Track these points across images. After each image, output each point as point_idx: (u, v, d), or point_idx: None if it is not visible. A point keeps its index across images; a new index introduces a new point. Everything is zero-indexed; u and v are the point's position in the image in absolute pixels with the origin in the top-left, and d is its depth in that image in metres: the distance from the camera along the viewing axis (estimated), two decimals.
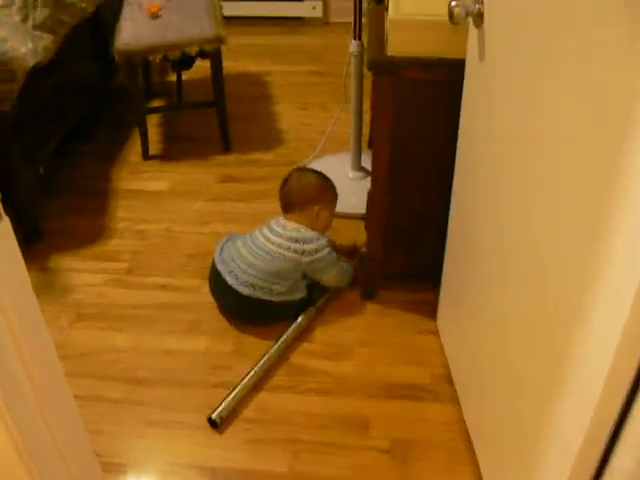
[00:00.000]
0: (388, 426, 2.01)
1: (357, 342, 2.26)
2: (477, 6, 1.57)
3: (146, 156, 3.14)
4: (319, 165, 2.65)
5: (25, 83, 2.43)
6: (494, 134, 1.56)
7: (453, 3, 1.58)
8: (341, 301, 2.40)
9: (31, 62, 2.44)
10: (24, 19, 2.54)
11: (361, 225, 2.56)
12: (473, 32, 1.66)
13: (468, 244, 1.86)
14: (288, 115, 3.43)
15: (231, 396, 2.05)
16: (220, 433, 2.00)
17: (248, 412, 2.05)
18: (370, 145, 2.97)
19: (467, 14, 1.59)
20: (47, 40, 2.59)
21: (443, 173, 1.99)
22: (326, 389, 2.11)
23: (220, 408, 2.01)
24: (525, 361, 1.46)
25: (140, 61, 2.99)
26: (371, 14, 2.27)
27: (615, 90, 0.99)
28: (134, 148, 3.18)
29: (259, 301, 2.22)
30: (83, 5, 2.93)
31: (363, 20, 2.59)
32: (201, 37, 2.90)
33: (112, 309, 2.40)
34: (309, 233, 2.27)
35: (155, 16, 3.04)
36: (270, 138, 3.26)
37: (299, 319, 2.27)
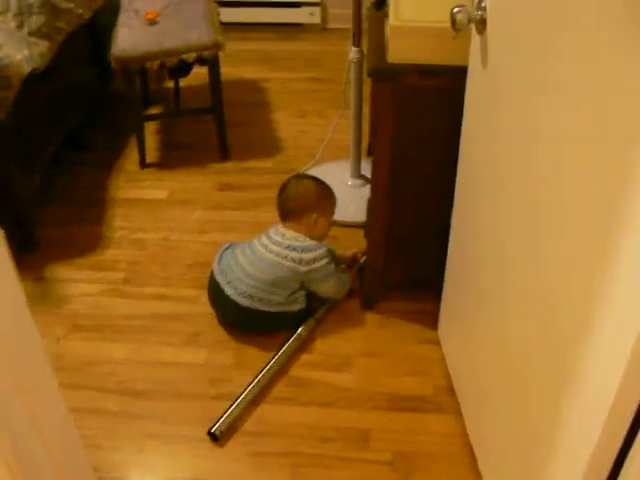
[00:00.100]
0: (390, 438, 1.99)
1: (357, 353, 2.23)
2: (479, 13, 1.55)
3: (143, 164, 3.10)
4: (318, 173, 2.62)
5: (21, 90, 2.40)
6: (498, 141, 1.54)
7: (455, 9, 1.56)
8: (341, 311, 2.37)
9: (27, 69, 2.42)
10: (19, 26, 2.52)
11: (361, 233, 2.53)
12: (475, 38, 1.64)
13: (470, 253, 1.84)
14: (286, 122, 3.40)
15: (231, 409, 2.02)
16: (220, 446, 1.97)
17: (248, 425, 2.02)
18: (370, 152, 2.95)
19: (469, 20, 1.57)
20: (43, 47, 2.56)
21: (444, 180, 1.97)
22: (327, 401, 2.08)
23: (220, 421, 1.98)
24: (528, 372, 1.43)
25: (137, 68, 2.96)
26: (371, 21, 2.25)
27: (621, 93, 0.97)
28: (131, 156, 3.15)
29: (258, 312, 2.20)
30: (79, 11, 2.90)
31: (362, 26, 2.56)
32: (199, 44, 2.88)
33: (109, 320, 2.37)
34: (308, 242, 2.25)
35: (152, 22, 3.01)
36: (269, 145, 3.23)
37: (299, 330, 2.24)
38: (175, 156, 3.19)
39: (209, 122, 3.12)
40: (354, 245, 2.55)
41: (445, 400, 2.07)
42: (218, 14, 3.19)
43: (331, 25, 4.25)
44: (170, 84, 3.51)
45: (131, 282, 2.51)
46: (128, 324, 2.35)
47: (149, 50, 2.87)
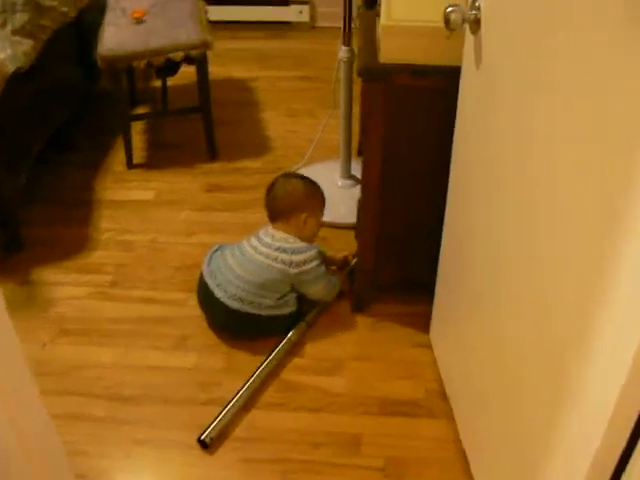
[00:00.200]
0: (381, 443, 1.96)
1: (348, 357, 2.20)
2: (474, 12, 1.53)
3: (130, 164, 3.07)
4: (308, 173, 2.59)
5: (5, 89, 2.36)
6: (491, 141, 1.52)
7: (449, 9, 1.53)
8: (332, 314, 2.34)
9: (11, 68, 2.38)
10: (3, 24, 2.48)
11: (351, 235, 2.50)
12: (469, 38, 1.62)
13: (463, 254, 1.82)
14: (275, 122, 3.37)
15: (221, 415, 1.98)
16: (210, 453, 1.94)
17: (239, 431, 1.99)
18: (360, 152, 2.93)
19: (463, 20, 1.54)
20: (27, 45, 2.52)
21: (436, 181, 1.95)
22: (317, 406, 2.05)
23: (210, 428, 1.95)
24: (523, 374, 1.42)
25: (124, 67, 2.92)
26: (362, 20, 2.22)
27: (617, 93, 0.96)
28: (118, 156, 3.11)
29: (248, 315, 2.17)
30: (64, 9, 2.86)
31: (352, 25, 2.54)
32: (186, 43, 2.84)
33: (96, 323, 2.33)
34: (298, 243, 2.22)
35: (139, 21, 2.98)
36: (257, 145, 3.20)
37: (289, 334, 2.21)
38: (162, 156, 3.15)
39: (197, 122, 3.08)
40: (344, 247, 2.53)
41: (437, 404, 2.04)
42: (206, 12, 3.16)
43: (320, 23, 4.23)
44: (157, 83, 3.48)
45: (118, 285, 2.48)
46: (115, 328, 2.31)
47: (136, 49, 2.83)
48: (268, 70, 3.81)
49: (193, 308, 2.33)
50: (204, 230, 2.71)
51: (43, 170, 2.96)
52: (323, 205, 2.37)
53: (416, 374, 2.14)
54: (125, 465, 1.93)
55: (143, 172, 3.05)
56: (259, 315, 2.17)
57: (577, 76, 1.07)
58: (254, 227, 2.34)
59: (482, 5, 1.51)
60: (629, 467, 1.09)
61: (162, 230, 2.72)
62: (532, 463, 1.38)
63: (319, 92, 3.49)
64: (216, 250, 2.32)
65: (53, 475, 1.40)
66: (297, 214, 2.26)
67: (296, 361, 2.18)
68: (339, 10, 2.54)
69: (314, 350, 2.22)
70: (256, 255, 2.19)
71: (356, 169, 2.80)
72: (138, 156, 3.12)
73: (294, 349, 2.21)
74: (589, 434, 1.12)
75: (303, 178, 2.38)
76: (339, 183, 2.84)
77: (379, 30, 1.93)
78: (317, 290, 2.27)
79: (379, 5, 2.05)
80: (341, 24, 2.55)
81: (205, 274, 2.25)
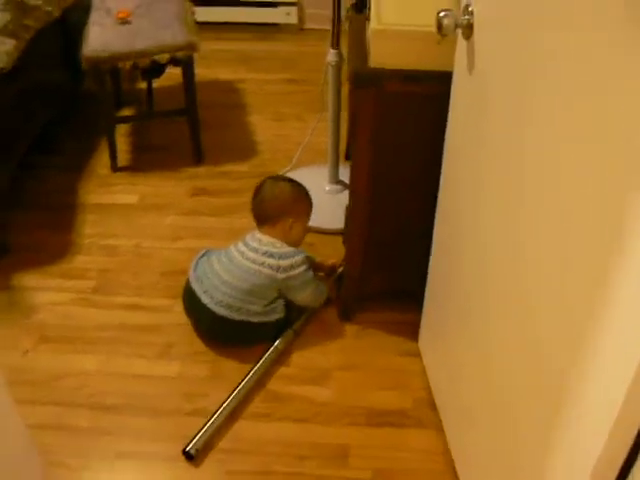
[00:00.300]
0: (369, 455, 1.93)
1: (335, 366, 2.17)
2: (466, 17, 1.50)
3: (115, 168, 3.02)
4: (295, 178, 2.55)
5: None
6: (484, 148, 1.49)
7: (442, 14, 1.50)
8: (319, 322, 2.30)
9: None
10: None
11: (339, 241, 2.47)
12: (462, 44, 1.59)
13: (451, 264, 1.80)
14: (262, 125, 3.33)
15: (207, 426, 1.95)
16: (196, 465, 1.90)
17: (224, 442, 1.95)
18: (347, 156, 2.90)
19: (456, 25, 1.51)
20: (9, 45, 2.47)
21: (426, 187, 1.92)
22: (303, 417, 2.02)
23: (195, 439, 1.91)
24: (511, 392, 1.39)
25: (108, 68, 2.86)
26: (351, 23, 2.19)
27: (618, 96, 0.93)
28: (102, 159, 3.06)
29: (235, 322, 2.13)
30: (48, 9, 2.81)
31: (341, 28, 2.50)
32: (172, 44, 2.80)
33: (78, 331, 2.29)
34: (285, 248, 2.18)
35: (124, 22, 2.93)
36: (244, 149, 3.16)
37: (276, 343, 2.17)
38: (147, 159, 3.11)
39: (183, 124, 3.03)
40: (332, 253, 2.50)
41: (426, 414, 2.01)
42: (193, 13, 3.12)
43: (308, 25, 4.19)
44: (143, 84, 3.42)
45: (102, 291, 2.43)
46: (98, 335, 2.27)
47: (120, 50, 2.78)
48: (255, 72, 3.76)
49: (178, 315, 2.29)
50: (190, 235, 2.66)
51: (26, 173, 2.91)
52: (310, 209, 2.33)
53: (404, 383, 2.11)
54: (108, 478, 1.89)
55: (128, 175, 3.00)
56: (247, 322, 2.14)
57: (577, 78, 1.04)
58: (240, 232, 2.30)
59: (475, 10, 1.48)
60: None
61: (147, 235, 2.67)
62: (521, 477, 1.36)
63: (307, 95, 3.46)
64: (202, 255, 2.29)
65: None
66: (284, 218, 2.22)
67: (282, 370, 2.15)
68: (327, 12, 2.51)
69: (300, 359, 2.18)
70: (243, 260, 2.15)
71: (344, 174, 2.77)
72: (123, 159, 3.07)
73: (280, 358, 2.17)
74: (586, 452, 1.09)
75: (291, 181, 2.34)
76: (327, 188, 2.80)
77: (369, 34, 1.89)
78: (304, 296, 2.23)
79: (368, 9, 2.01)
80: (329, 26, 2.52)
81: (191, 280, 2.21)
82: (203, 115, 3.08)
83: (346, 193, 2.48)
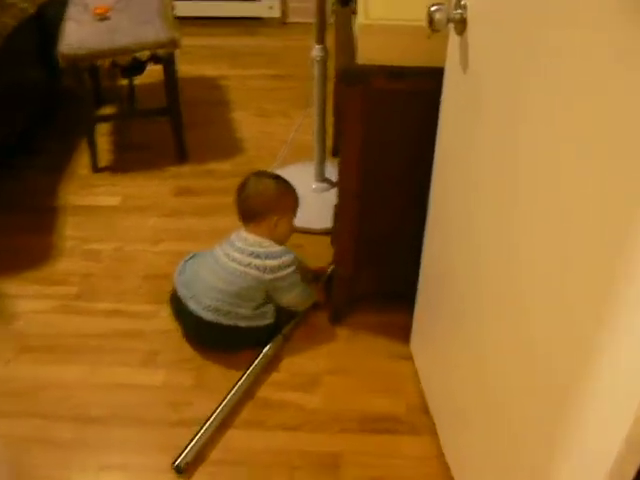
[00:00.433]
0: (362, 463, 1.87)
1: (326, 370, 2.11)
2: (459, 11, 1.45)
3: (95, 168, 2.95)
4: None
5: None
6: (477, 148, 1.45)
7: (433, 8, 1.44)
8: (309, 326, 2.24)
9: None
10: None
11: (326, 241, 2.42)
12: (454, 40, 1.53)
13: (444, 264, 1.75)
14: (247, 122, 3.27)
15: (196, 438, 1.88)
16: (185, 478, 1.83)
17: (214, 453, 1.89)
18: (334, 153, 2.84)
19: (448, 20, 1.45)
20: None
21: (417, 185, 1.88)
22: (294, 424, 1.96)
23: (185, 452, 1.85)
24: (507, 390, 1.36)
25: (86, 66, 2.79)
26: (337, 18, 2.13)
27: (621, 99, 0.90)
28: (83, 159, 2.99)
29: (224, 327, 2.07)
30: (24, 5, 2.76)
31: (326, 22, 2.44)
32: (153, 41, 2.73)
33: (60, 339, 2.22)
34: (272, 248, 2.12)
35: (103, 18, 2.86)
36: (228, 147, 3.10)
37: (266, 349, 2.12)
38: (129, 159, 3.04)
39: (165, 122, 2.97)
40: (320, 253, 2.44)
41: (419, 419, 1.96)
42: (173, 8, 3.05)
43: (292, 19, 4.14)
44: (124, 81, 3.35)
45: (84, 297, 2.36)
46: (81, 343, 2.20)
47: (99, 48, 2.72)
48: (238, 68, 3.70)
49: (162, 321, 2.23)
50: (173, 237, 2.60)
51: (3, 174, 2.84)
52: (296, 205, 2.27)
53: (397, 388, 2.05)
54: None
55: (109, 176, 2.94)
56: (236, 326, 2.08)
57: (578, 76, 1.00)
58: (224, 232, 2.24)
59: (468, 4, 1.43)
60: None
61: (129, 237, 2.61)
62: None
63: (291, 91, 3.40)
64: (188, 259, 2.23)
65: None
66: (269, 216, 2.16)
67: (272, 376, 2.09)
68: (311, 5, 2.46)
69: (290, 364, 2.12)
70: (229, 262, 2.09)
71: (330, 172, 2.71)
72: (104, 159, 3.01)
73: (270, 363, 2.12)
74: (597, 451, 1.05)
75: (275, 177, 2.28)
76: (313, 186, 2.74)
77: (356, 29, 1.84)
78: (290, 298, 2.17)
79: (354, 2, 1.95)
80: (313, 20, 2.46)
81: (177, 285, 2.16)
82: (186, 113, 3.01)
83: (333, 191, 2.44)
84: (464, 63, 1.48)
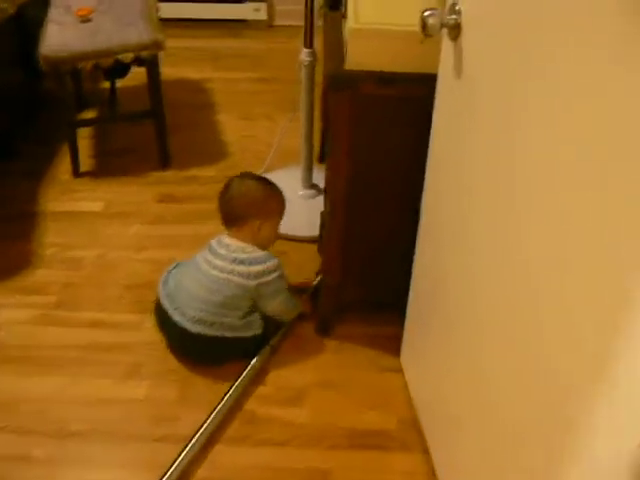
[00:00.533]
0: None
1: (313, 384, 2.06)
2: (453, 17, 1.40)
3: (77, 173, 2.88)
4: None
5: None
6: (472, 157, 1.40)
7: (427, 13, 1.40)
8: (295, 338, 2.19)
9: None
10: None
11: (313, 249, 2.37)
12: (448, 45, 1.49)
13: (437, 273, 1.71)
14: (231, 126, 3.21)
15: (181, 456, 1.82)
16: None
17: (200, 472, 1.82)
18: (321, 159, 2.79)
19: (442, 25, 1.41)
20: None
21: (407, 192, 1.84)
22: (281, 440, 1.91)
23: (170, 471, 1.78)
24: (506, 403, 1.30)
25: (68, 69, 2.72)
26: (326, 21, 2.08)
27: (622, 103, 0.86)
28: (63, 164, 2.93)
29: (210, 338, 2.02)
30: (3, 5, 2.69)
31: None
32: (137, 43, 2.67)
33: (39, 350, 2.15)
34: (256, 253, 2.06)
35: (85, 19, 2.79)
36: (213, 151, 3.04)
37: (253, 361, 2.06)
38: (111, 164, 2.98)
39: (148, 126, 2.91)
40: (306, 261, 2.39)
41: (410, 435, 1.91)
42: (157, 10, 2.99)
43: (278, 22, 4.09)
44: (106, 84, 3.29)
45: (64, 307, 2.30)
46: (61, 355, 2.14)
47: (81, 50, 2.65)
48: (223, 71, 3.64)
49: (146, 332, 2.18)
50: (156, 245, 2.54)
51: None
52: (282, 208, 2.21)
53: (387, 402, 2.00)
54: None
55: (90, 181, 2.87)
56: (222, 337, 2.02)
57: (578, 81, 0.96)
58: (208, 240, 2.17)
59: (463, 9, 1.38)
60: None
61: (111, 245, 2.55)
62: None
63: (277, 94, 3.35)
64: (172, 269, 2.18)
65: None
66: (251, 219, 2.10)
67: (259, 390, 2.03)
68: (298, 8, 2.42)
69: (277, 377, 2.07)
70: (211, 270, 2.04)
71: (317, 178, 2.66)
72: (85, 164, 2.94)
73: (257, 376, 2.06)
74: (601, 462, 1.00)
75: (259, 179, 2.22)
76: (300, 193, 2.69)
77: (346, 34, 1.79)
78: (275, 305, 2.11)
79: (344, 6, 1.91)
80: (300, 22, 2.42)
81: (161, 297, 2.10)
82: (169, 116, 2.95)
83: (320, 198, 2.39)
84: (458, 68, 1.44)
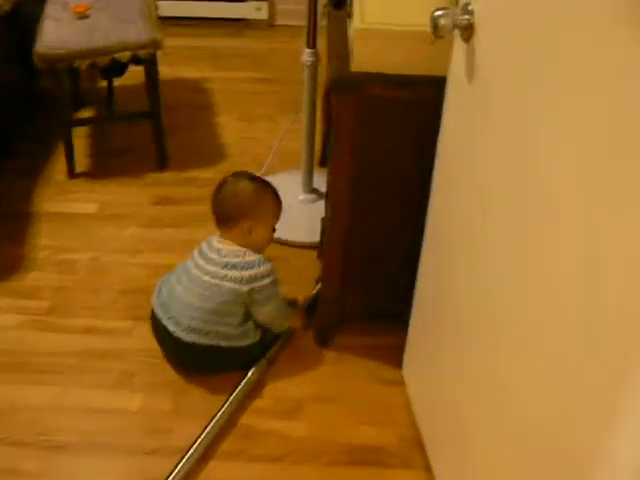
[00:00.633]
0: None
1: (311, 397, 2.00)
2: (466, 17, 1.35)
3: (72, 173, 2.83)
4: None
5: None
6: (486, 163, 1.35)
7: (438, 13, 1.34)
8: (293, 349, 2.13)
9: None
10: None
11: (312, 255, 2.32)
12: (459, 47, 1.43)
13: (444, 282, 1.65)
14: (230, 127, 3.16)
15: (175, 471, 1.76)
16: None
17: None
18: (322, 163, 2.74)
19: (454, 26, 1.35)
20: None
21: (411, 198, 1.82)
22: (278, 455, 1.84)
23: None
24: (528, 421, 1.22)
25: (65, 67, 2.67)
26: (329, 21, 2.02)
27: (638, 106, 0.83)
28: (59, 164, 2.87)
29: (205, 347, 1.96)
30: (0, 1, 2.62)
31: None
32: (135, 42, 2.62)
33: (29, 357, 2.09)
34: (249, 257, 1.99)
35: (82, 16, 2.75)
36: (211, 153, 2.99)
37: (249, 374, 2.00)
38: (107, 165, 2.93)
39: (145, 126, 2.86)
40: (306, 268, 2.34)
41: (413, 452, 1.85)
42: (156, 8, 2.94)
43: (279, 21, 4.05)
44: (104, 82, 3.23)
45: (56, 312, 2.24)
46: (52, 362, 2.08)
47: (78, 48, 2.60)
48: (222, 71, 3.59)
49: (140, 339, 2.12)
50: (151, 248, 2.49)
51: None
52: (277, 210, 2.13)
53: (387, 415, 1.94)
54: None
55: (86, 182, 2.82)
56: (217, 346, 1.96)
57: (596, 80, 0.93)
58: None
59: (476, 9, 1.33)
60: None
61: (106, 247, 2.49)
62: None
63: (277, 95, 3.30)
64: (166, 278, 2.12)
65: None
66: (242, 220, 2.03)
67: (255, 403, 1.97)
68: (300, 7, 2.38)
69: (274, 390, 2.01)
70: (203, 277, 1.97)
71: (318, 182, 2.60)
72: (81, 164, 2.89)
73: (253, 389, 2.00)
74: None
75: (254, 179, 2.14)
76: (300, 197, 2.63)
77: (351, 34, 1.73)
78: (265, 312, 2.03)
79: (349, 5, 1.85)
80: (302, 22, 2.38)
81: (155, 306, 2.04)
82: (167, 117, 2.91)
83: (321, 203, 2.34)
84: (470, 70, 1.39)
